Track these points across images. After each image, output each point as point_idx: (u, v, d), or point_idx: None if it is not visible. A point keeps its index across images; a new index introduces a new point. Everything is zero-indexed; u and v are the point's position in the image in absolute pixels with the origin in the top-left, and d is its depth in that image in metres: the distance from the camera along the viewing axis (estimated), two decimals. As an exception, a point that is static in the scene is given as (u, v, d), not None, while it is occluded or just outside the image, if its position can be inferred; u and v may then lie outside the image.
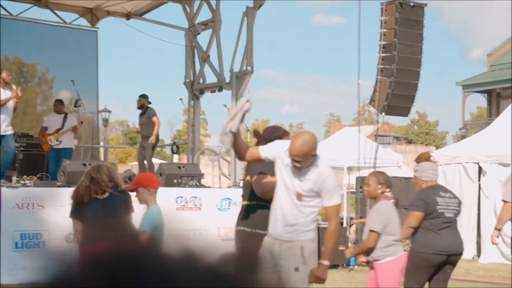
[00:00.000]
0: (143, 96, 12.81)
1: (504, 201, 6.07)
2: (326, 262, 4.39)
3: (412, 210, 5.58)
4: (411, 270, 5.53)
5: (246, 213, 4.78)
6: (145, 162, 12.56)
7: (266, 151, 4.43)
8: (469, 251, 13.24)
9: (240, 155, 4.47)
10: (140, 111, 12.82)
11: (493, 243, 6.30)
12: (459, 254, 5.62)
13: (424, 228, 5.51)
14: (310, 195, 4.33)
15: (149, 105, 12.77)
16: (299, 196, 4.31)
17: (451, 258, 5.55)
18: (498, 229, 6.17)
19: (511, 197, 6.01)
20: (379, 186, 5.45)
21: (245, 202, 4.88)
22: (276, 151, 4.40)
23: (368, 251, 5.41)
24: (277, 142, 4.51)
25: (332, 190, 4.34)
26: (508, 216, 6.05)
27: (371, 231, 5.34)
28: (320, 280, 4.37)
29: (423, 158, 5.76)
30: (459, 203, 5.67)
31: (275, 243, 4.38)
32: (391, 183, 5.55)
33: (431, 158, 5.80)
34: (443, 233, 5.50)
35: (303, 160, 4.24)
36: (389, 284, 5.29)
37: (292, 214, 4.34)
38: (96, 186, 5.18)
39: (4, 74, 10.16)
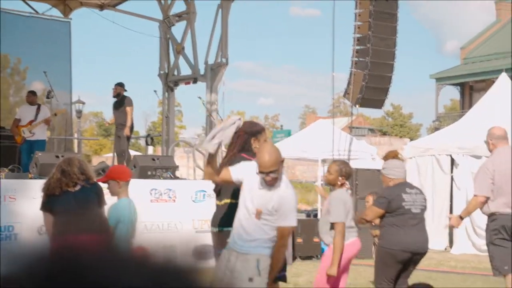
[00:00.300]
0: (119, 85, 12.59)
1: (476, 195, 6.14)
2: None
3: (374, 204, 5.68)
4: (380, 266, 5.61)
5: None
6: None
7: (236, 173, 4.49)
8: (441, 242, 13.40)
9: (211, 175, 4.54)
10: (115, 100, 12.66)
11: (451, 226, 6.39)
12: (423, 254, 5.65)
13: (391, 225, 5.56)
14: (272, 213, 4.37)
15: (125, 94, 12.62)
16: (259, 214, 4.35)
17: (415, 257, 5.57)
18: (461, 217, 6.24)
19: (482, 191, 6.06)
20: (340, 178, 5.54)
21: (229, 201, 4.85)
22: (245, 172, 4.45)
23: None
24: (244, 163, 4.55)
25: (288, 212, 4.38)
26: (475, 209, 6.14)
27: (340, 222, 5.38)
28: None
29: (390, 156, 5.80)
30: (425, 199, 5.72)
31: (232, 254, 4.43)
32: (351, 174, 5.71)
33: (399, 156, 5.85)
34: (410, 231, 5.54)
35: (277, 169, 4.29)
36: (327, 267, 5.42)
37: (252, 230, 4.38)
38: (67, 178, 5.15)
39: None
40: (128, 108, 12.39)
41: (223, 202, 4.89)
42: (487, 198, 6.05)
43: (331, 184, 5.63)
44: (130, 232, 5.15)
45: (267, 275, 4.38)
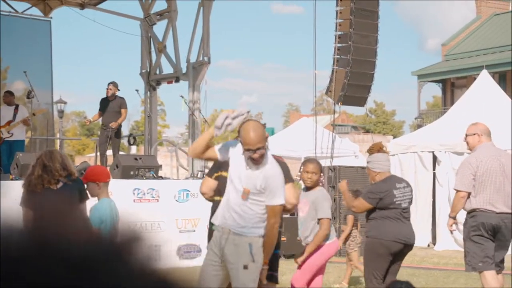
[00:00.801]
0: (114, 84, 12.34)
1: (457, 190, 6.14)
2: (265, 267, 4.46)
3: (364, 198, 5.68)
4: (371, 259, 5.60)
5: None
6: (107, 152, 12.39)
7: (222, 151, 4.48)
8: (424, 238, 13.47)
9: (197, 152, 4.51)
10: (104, 99, 12.44)
11: (450, 231, 6.39)
12: (411, 246, 5.74)
13: (384, 217, 5.59)
14: (261, 192, 4.35)
15: (118, 94, 12.46)
16: (246, 194, 4.34)
17: (406, 248, 5.66)
18: (453, 217, 6.26)
19: (463, 186, 6.08)
20: (322, 174, 5.63)
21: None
22: (231, 151, 4.45)
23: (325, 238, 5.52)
24: (230, 142, 4.56)
25: (276, 189, 4.35)
26: (460, 205, 6.13)
27: (327, 218, 5.45)
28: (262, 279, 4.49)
29: (374, 149, 5.79)
30: (412, 191, 5.79)
31: (223, 234, 4.42)
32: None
33: (384, 149, 5.84)
34: (401, 223, 5.62)
35: (263, 146, 4.29)
36: (309, 263, 5.48)
37: (242, 211, 4.37)
38: (49, 175, 5.06)
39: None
40: (123, 110, 12.29)
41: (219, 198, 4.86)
42: (469, 194, 6.06)
43: (314, 185, 5.60)
44: (113, 232, 5.11)
45: (261, 255, 4.40)
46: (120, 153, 18.39)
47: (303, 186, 5.76)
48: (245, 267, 4.34)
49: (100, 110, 12.41)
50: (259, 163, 4.31)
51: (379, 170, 5.68)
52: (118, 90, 12.43)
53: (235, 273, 4.36)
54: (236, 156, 4.40)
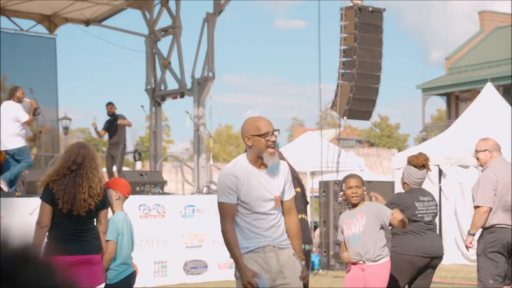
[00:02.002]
0: (112, 104, 13.26)
1: (478, 206, 6.03)
2: (303, 263, 4.23)
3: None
4: (396, 273, 5.44)
5: None
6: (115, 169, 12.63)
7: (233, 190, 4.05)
8: (431, 252, 13.40)
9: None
10: (108, 119, 13.08)
11: (468, 248, 6.24)
12: (441, 257, 5.62)
13: (406, 232, 5.47)
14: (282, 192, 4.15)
15: (116, 112, 13.24)
16: (278, 201, 4.10)
17: (434, 261, 5.54)
18: (472, 235, 6.14)
19: (486, 202, 5.98)
20: (365, 188, 5.36)
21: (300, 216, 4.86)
22: (238, 177, 4.05)
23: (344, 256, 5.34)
24: (226, 180, 4.06)
25: (290, 181, 4.22)
26: (482, 221, 5.99)
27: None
28: (307, 280, 4.26)
29: (413, 162, 5.57)
30: (436, 205, 5.69)
31: (268, 253, 4.05)
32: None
33: (421, 165, 5.55)
34: (426, 236, 5.52)
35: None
36: (382, 285, 5.18)
37: (277, 221, 4.11)
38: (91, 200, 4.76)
39: (19, 92, 10.26)
40: (121, 120, 13.10)
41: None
42: (490, 209, 5.99)
43: (360, 199, 5.24)
44: (131, 247, 5.11)
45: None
46: (125, 169, 18.43)
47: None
48: (302, 278, 4.16)
49: (105, 129, 13.22)
50: (275, 153, 4.01)
51: (406, 181, 5.61)
52: (116, 109, 13.38)
53: (293, 286, 4.09)
54: (246, 176, 4.03)
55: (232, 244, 3.95)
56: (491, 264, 5.94)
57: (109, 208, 5.07)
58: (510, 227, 5.99)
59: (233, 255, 3.98)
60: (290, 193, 4.18)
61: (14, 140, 9.99)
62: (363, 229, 5.15)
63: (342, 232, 5.33)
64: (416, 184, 5.61)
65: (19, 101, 10.40)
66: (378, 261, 5.14)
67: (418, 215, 5.48)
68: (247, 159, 4.07)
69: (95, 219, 4.77)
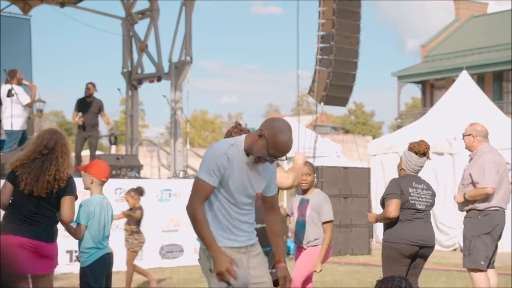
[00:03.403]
0: (93, 84, 12.57)
1: (484, 188, 6.04)
2: (284, 264, 3.87)
3: (391, 198, 5.40)
4: (387, 262, 5.45)
5: None
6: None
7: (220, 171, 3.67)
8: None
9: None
10: (82, 99, 12.51)
11: (456, 198, 6.31)
12: (431, 247, 5.50)
13: (396, 219, 5.43)
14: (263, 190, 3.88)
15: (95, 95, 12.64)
16: (259, 199, 3.86)
17: (422, 250, 5.43)
18: (465, 198, 6.18)
19: (494, 183, 6.02)
20: (315, 175, 5.63)
21: None
22: (231, 160, 3.67)
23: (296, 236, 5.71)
24: (213, 156, 3.67)
25: (274, 178, 3.92)
26: (478, 197, 6.06)
27: (330, 221, 5.58)
28: (289, 280, 3.85)
29: (414, 148, 5.53)
30: (432, 195, 5.55)
31: (245, 253, 3.76)
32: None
33: (422, 152, 5.50)
34: (415, 224, 5.42)
35: None
36: (308, 266, 5.54)
37: (251, 219, 3.84)
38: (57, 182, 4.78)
39: (18, 74, 10.57)
40: (103, 113, 12.64)
41: None
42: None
43: (309, 188, 5.60)
44: (103, 231, 5.06)
45: None
46: (100, 152, 18.27)
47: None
48: (273, 274, 4.03)
49: (78, 110, 12.43)
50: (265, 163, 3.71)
51: (404, 167, 5.53)
52: (96, 90, 12.57)
53: (266, 286, 3.79)
54: (237, 163, 3.67)
55: (203, 224, 3.56)
56: (484, 246, 6.03)
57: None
58: (503, 209, 6.13)
59: (204, 236, 3.55)
60: (274, 189, 3.90)
61: (15, 122, 10.29)
62: (307, 219, 5.58)
63: (292, 214, 5.78)
64: (414, 171, 5.51)
65: (19, 83, 10.52)
66: (317, 245, 5.57)
67: (410, 201, 5.37)
68: (244, 144, 3.66)
69: (55, 209, 4.77)
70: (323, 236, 5.55)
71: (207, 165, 3.61)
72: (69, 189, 4.80)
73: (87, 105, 12.37)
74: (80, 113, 12.37)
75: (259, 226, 4.23)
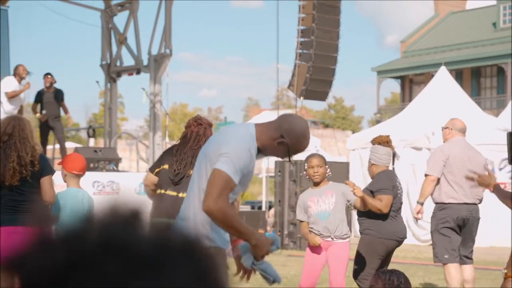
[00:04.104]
0: (51, 75, 12.33)
1: (426, 175, 6.18)
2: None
3: (386, 193, 5.41)
4: (370, 256, 5.46)
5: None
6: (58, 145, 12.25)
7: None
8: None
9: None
10: (42, 90, 12.28)
11: (416, 219, 6.39)
12: (402, 242, 5.65)
13: (382, 215, 5.46)
14: None
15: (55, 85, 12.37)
16: None
17: (400, 244, 5.56)
18: (421, 203, 6.26)
19: (434, 171, 6.12)
20: (327, 167, 5.38)
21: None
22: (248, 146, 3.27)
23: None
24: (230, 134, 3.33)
25: None
26: (429, 189, 6.17)
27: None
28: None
29: (376, 140, 5.62)
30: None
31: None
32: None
33: (386, 143, 5.60)
34: (398, 220, 5.53)
35: None
36: (346, 262, 5.31)
37: None
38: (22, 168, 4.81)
39: (20, 69, 11.16)
40: (63, 103, 12.34)
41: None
42: (438, 179, 6.11)
43: (322, 178, 5.31)
44: (73, 224, 5.01)
45: None
46: (78, 145, 18.13)
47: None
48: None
49: (39, 102, 12.23)
50: None
51: (373, 162, 5.58)
52: (55, 81, 12.40)
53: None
54: (253, 158, 3.28)
55: (236, 216, 3.23)
56: (444, 239, 6.07)
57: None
58: (464, 203, 6.13)
59: (240, 226, 3.19)
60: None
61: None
62: (333, 207, 5.24)
63: (308, 209, 5.35)
64: (386, 163, 5.58)
65: (20, 77, 11.06)
66: (345, 239, 5.31)
67: (399, 196, 5.50)
68: (257, 141, 3.28)
69: (36, 190, 4.74)
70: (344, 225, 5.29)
71: (235, 161, 3.15)
72: (46, 170, 4.80)
73: (48, 96, 12.18)
74: (44, 111, 12.10)
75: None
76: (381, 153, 5.57)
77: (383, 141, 5.61)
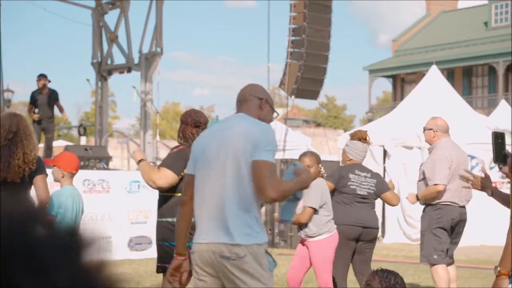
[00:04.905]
0: (45, 76, 12.31)
1: (436, 185, 6.09)
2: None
3: (326, 179, 5.61)
4: (338, 249, 5.52)
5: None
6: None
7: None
8: (374, 231, 13.66)
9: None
10: (36, 92, 12.27)
11: (409, 199, 6.38)
12: (374, 228, 5.72)
13: (339, 202, 5.62)
14: None
15: (49, 85, 12.34)
16: None
17: (366, 232, 5.62)
18: (418, 200, 6.26)
19: (444, 180, 6.05)
20: (320, 166, 5.46)
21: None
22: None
23: (300, 226, 5.44)
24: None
25: None
26: (435, 198, 6.08)
27: (309, 207, 5.32)
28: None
29: (356, 136, 5.79)
30: (378, 183, 5.75)
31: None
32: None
33: (365, 139, 5.75)
34: (355, 207, 5.64)
35: None
36: (325, 260, 5.35)
37: None
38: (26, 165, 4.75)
39: None
40: (58, 102, 12.28)
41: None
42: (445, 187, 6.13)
43: (314, 178, 5.29)
44: (74, 222, 5.00)
45: None
46: (69, 143, 18.08)
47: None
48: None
49: (33, 103, 12.20)
50: None
51: (351, 157, 5.69)
52: (49, 81, 12.31)
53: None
54: None
55: (288, 185, 3.41)
56: (435, 239, 6.08)
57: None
58: (457, 205, 6.13)
59: (295, 188, 3.43)
60: None
61: None
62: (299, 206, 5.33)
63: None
64: (360, 158, 5.72)
65: None
66: (314, 237, 5.38)
67: (351, 187, 5.60)
68: (256, 117, 3.52)
69: (30, 187, 4.72)
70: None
71: (274, 145, 3.47)
72: (40, 169, 4.78)
73: (42, 98, 12.15)
74: (37, 109, 12.06)
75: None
76: (360, 150, 5.76)
77: (363, 137, 5.73)
